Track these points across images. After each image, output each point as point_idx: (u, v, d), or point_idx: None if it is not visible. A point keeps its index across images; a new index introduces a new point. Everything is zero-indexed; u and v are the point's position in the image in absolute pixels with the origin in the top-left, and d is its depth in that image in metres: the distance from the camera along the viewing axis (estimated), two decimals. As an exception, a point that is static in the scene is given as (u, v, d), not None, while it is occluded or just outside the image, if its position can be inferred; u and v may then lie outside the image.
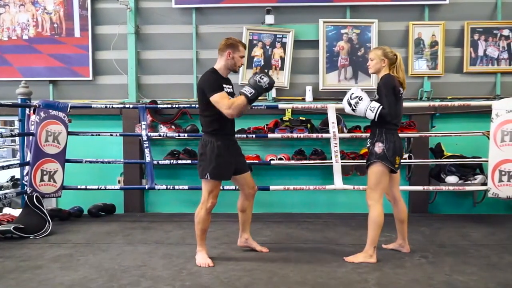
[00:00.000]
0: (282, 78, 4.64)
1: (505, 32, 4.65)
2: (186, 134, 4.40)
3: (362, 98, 2.83)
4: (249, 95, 2.66)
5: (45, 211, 3.75)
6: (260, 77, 2.68)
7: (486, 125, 3.94)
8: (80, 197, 4.52)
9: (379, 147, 2.82)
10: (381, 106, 2.77)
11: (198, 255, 2.84)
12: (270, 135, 4.30)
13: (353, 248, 2.97)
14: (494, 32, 4.65)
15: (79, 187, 4.27)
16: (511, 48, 4.65)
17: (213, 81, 2.78)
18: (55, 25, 4.89)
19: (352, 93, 2.89)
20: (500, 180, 3.77)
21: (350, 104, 2.87)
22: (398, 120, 2.91)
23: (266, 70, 2.62)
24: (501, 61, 4.67)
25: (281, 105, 4.31)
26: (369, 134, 2.99)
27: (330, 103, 4.25)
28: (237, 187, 3.23)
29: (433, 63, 4.67)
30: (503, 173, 3.76)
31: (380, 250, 2.95)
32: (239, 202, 3.05)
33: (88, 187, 4.27)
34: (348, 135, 4.35)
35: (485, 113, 4.05)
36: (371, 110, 2.79)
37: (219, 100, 2.70)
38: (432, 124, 4.67)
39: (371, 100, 2.84)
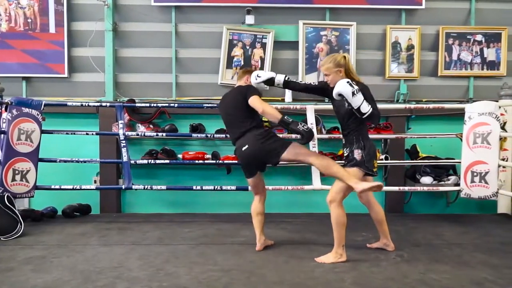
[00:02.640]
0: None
1: (478, 38, 4.79)
2: (164, 134, 4.36)
3: (359, 92, 2.73)
4: (285, 119, 2.91)
5: (16, 212, 3.64)
6: (303, 125, 2.92)
7: (459, 127, 4.05)
8: (54, 197, 4.40)
9: (358, 154, 2.85)
10: (373, 108, 2.75)
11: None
12: (249, 135, 4.29)
13: (330, 248, 2.98)
14: (468, 37, 4.79)
15: (53, 187, 4.15)
16: (483, 53, 4.80)
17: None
18: (29, 20, 4.75)
19: (353, 84, 2.74)
20: (472, 181, 3.89)
21: (352, 86, 2.70)
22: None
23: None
24: (474, 65, 4.82)
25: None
26: (343, 142, 2.96)
27: (309, 104, 4.29)
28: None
29: (409, 66, 4.77)
30: (475, 174, 3.88)
31: (356, 249, 2.99)
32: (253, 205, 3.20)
33: (62, 187, 4.15)
34: (326, 136, 4.40)
35: (459, 116, 4.17)
36: (366, 105, 2.71)
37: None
38: (408, 126, 4.77)
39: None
